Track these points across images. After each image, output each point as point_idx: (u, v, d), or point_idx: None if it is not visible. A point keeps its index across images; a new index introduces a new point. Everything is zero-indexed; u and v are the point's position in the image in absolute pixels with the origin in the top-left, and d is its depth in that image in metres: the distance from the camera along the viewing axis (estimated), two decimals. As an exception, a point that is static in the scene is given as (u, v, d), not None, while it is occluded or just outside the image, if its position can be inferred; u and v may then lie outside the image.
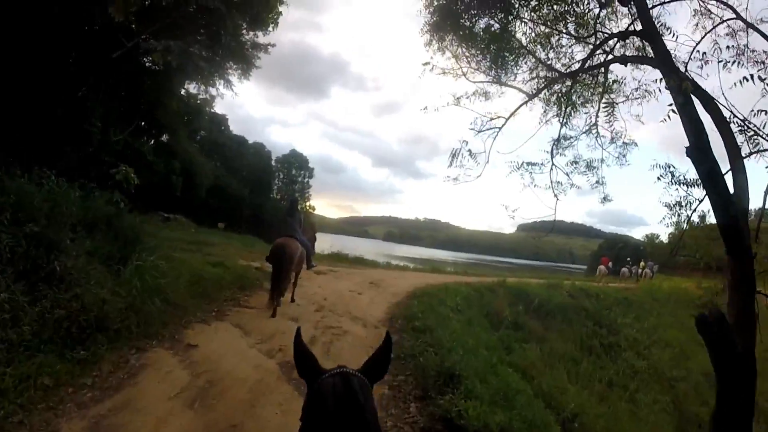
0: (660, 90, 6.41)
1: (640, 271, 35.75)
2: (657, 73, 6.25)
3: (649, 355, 18.05)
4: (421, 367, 6.60)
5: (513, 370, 9.09)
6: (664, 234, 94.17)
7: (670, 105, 5.63)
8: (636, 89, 7.49)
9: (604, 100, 7.85)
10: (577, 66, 7.75)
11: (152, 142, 27.97)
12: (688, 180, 6.08)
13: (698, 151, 5.41)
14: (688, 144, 5.46)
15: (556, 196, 8.48)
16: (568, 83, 8.13)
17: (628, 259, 39.99)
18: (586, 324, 17.61)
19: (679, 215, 6.54)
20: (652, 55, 6.28)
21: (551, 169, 8.30)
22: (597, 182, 8.49)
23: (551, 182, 8.38)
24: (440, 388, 5.99)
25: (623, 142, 8.18)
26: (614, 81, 7.81)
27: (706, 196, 5.71)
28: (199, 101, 26.41)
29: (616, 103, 7.77)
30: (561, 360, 13.73)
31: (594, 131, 8.30)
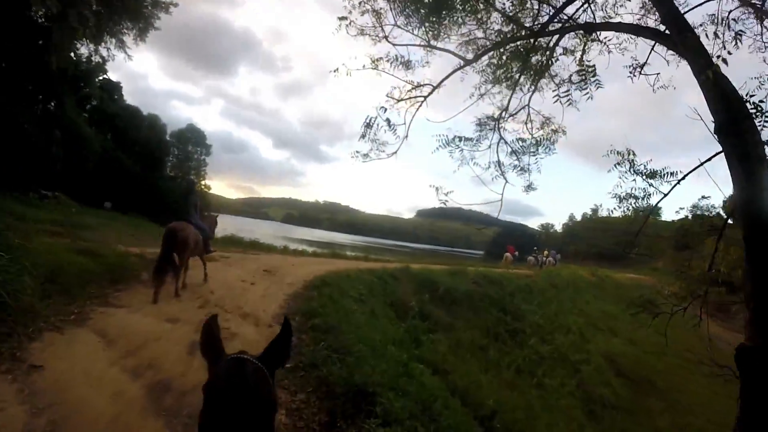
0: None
1: (543, 259, 37.03)
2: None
3: (552, 340, 18.25)
4: (326, 381, 5.52)
5: (425, 366, 8.44)
6: (558, 224, 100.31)
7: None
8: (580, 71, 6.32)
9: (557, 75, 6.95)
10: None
11: (38, 108, 23.97)
12: (649, 171, 5.57)
13: (732, 126, 4.50)
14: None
15: (503, 174, 7.74)
16: (521, 48, 7.11)
17: (535, 248, 41.80)
18: (491, 311, 17.36)
19: (634, 207, 6.10)
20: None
21: (498, 143, 7.30)
22: (523, 169, 7.73)
23: (496, 161, 7.36)
24: (350, 411, 4.96)
25: (552, 130, 7.41)
26: (565, 51, 6.92)
27: (733, 186, 4.76)
28: (90, 64, 23.23)
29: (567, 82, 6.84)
30: (470, 349, 13.28)
31: (526, 112, 7.43)
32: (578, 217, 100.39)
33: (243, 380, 1.39)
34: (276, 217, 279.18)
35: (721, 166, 4.84)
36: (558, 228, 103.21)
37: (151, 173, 36.40)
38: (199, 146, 50.25)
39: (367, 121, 7.07)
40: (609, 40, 6.76)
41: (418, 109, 7.39)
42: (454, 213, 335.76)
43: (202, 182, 47.87)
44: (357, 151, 7.42)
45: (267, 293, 9.95)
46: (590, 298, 29.18)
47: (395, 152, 7.37)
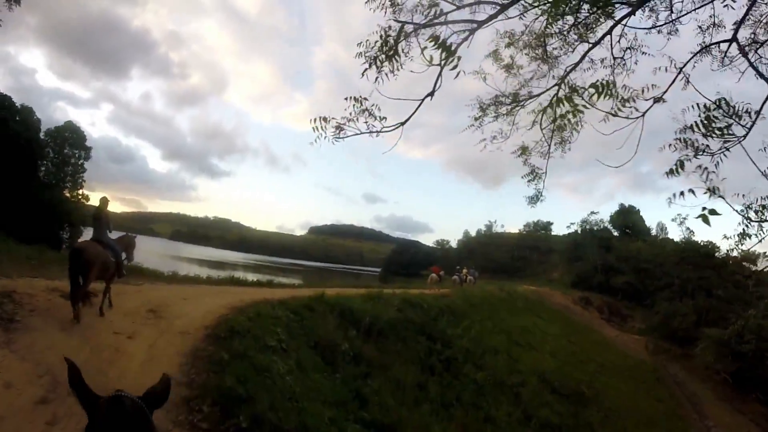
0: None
1: (463, 277, 35.88)
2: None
3: (484, 364, 16.87)
4: None
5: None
6: (453, 240, 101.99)
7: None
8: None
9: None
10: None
11: None
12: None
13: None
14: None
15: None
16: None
17: (457, 267, 40.24)
18: (419, 340, 15.40)
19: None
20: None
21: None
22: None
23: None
24: None
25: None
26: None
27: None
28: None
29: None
30: (410, 390, 11.17)
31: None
32: (473, 233, 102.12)
33: (123, 419, 1.37)
34: (163, 233, 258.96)
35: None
36: (453, 244, 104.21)
37: (19, 177, 30.72)
38: (78, 149, 41.76)
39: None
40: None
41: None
42: (347, 230, 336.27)
43: (80, 192, 40.87)
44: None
45: (151, 355, 7.06)
46: (505, 314, 28.41)
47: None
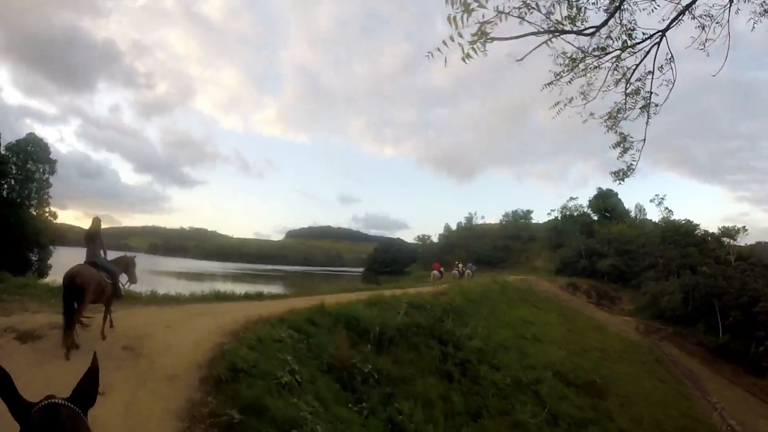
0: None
1: (462, 271, 36.16)
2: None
3: (498, 363, 15.80)
4: None
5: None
6: (434, 235, 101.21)
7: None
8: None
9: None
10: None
11: None
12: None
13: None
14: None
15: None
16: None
17: (457, 262, 40.08)
18: (430, 345, 14.20)
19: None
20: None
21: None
22: None
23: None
24: None
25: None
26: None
27: None
28: None
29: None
30: (437, 406, 10.00)
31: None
32: (453, 227, 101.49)
33: (59, 427, 1.31)
34: (139, 247, 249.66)
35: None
36: (434, 239, 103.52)
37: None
38: (42, 163, 38.89)
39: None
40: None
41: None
42: (324, 232, 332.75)
43: (47, 210, 38.46)
44: None
45: (132, 420, 5.17)
46: (504, 307, 27.51)
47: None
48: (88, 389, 1.49)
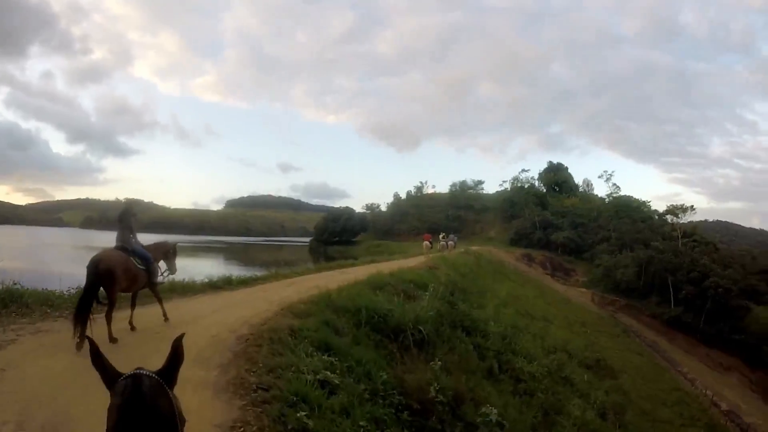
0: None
1: (445, 242, 34.52)
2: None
3: (524, 351, 13.53)
4: None
5: None
6: (383, 204, 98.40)
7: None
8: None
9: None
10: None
11: None
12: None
13: None
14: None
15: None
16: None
17: (444, 234, 37.58)
18: (458, 336, 11.24)
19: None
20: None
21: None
22: None
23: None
24: None
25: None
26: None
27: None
28: None
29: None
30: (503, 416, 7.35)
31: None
32: (402, 196, 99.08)
33: (142, 397, 1.32)
34: (73, 222, 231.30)
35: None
36: (383, 208, 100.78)
37: None
38: None
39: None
40: None
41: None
42: (264, 201, 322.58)
43: None
44: None
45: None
46: (489, 281, 25.41)
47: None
48: (172, 366, 1.47)
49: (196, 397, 4.84)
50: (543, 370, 12.31)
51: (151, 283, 7.72)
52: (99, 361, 1.42)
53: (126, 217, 7.71)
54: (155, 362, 1.60)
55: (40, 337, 6.45)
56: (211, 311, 8.79)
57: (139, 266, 7.33)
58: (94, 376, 1.44)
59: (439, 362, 7.88)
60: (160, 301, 7.88)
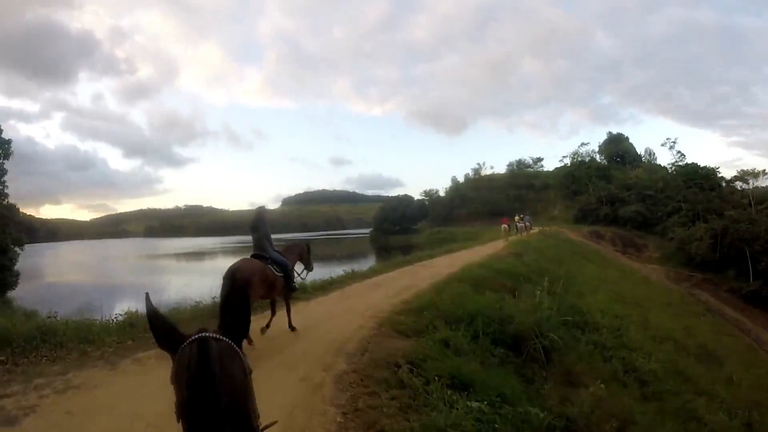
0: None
1: (521, 224, 34.38)
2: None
3: (635, 344, 12.58)
4: None
5: None
6: (441, 189, 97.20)
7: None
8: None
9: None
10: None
11: None
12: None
13: None
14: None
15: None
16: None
17: (520, 215, 37.20)
18: (580, 339, 10.48)
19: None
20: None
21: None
22: None
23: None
24: None
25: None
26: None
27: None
28: None
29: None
30: None
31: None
32: (459, 180, 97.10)
33: (210, 361, 1.20)
34: (137, 232, 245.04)
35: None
36: (441, 193, 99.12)
37: None
38: None
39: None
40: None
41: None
42: (319, 196, 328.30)
43: (4, 203, 30.72)
44: None
45: None
46: (575, 265, 24.35)
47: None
48: (241, 320, 1.40)
49: None
50: (661, 366, 11.51)
51: (288, 288, 7.64)
52: (157, 320, 1.33)
53: (259, 224, 7.72)
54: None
55: (68, 399, 4.75)
56: (291, 338, 7.35)
57: (276, 273, 7.31)
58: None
59: (602, 385, 7.23)
60: (288, 309, 7.73)
